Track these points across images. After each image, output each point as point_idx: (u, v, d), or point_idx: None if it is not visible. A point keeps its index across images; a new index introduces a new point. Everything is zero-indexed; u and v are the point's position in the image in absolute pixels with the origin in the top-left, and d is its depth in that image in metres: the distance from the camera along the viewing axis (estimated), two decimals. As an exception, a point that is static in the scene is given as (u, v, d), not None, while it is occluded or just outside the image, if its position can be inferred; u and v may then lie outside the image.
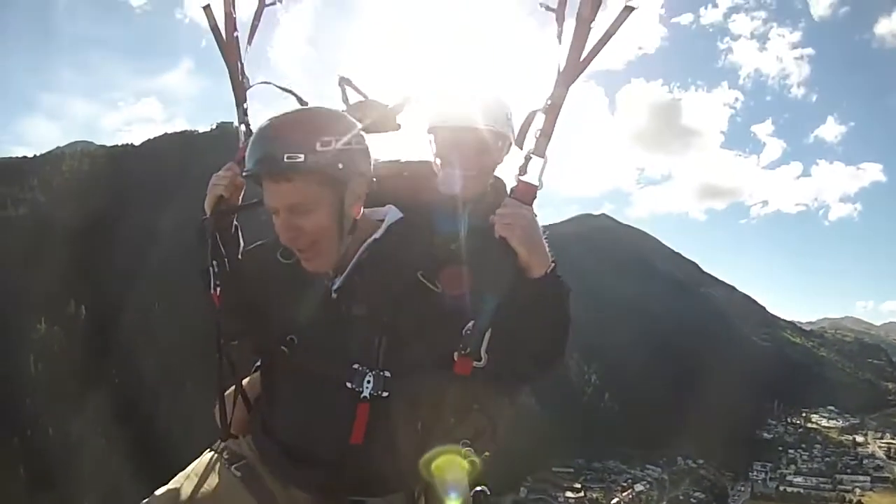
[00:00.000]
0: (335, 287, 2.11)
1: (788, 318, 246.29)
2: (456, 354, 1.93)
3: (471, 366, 1.91)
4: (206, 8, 2.60)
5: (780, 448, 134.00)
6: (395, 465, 1.99)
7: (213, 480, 2.12)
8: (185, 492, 2.08)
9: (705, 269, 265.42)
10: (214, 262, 2.29)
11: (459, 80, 2.88)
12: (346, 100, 2.65)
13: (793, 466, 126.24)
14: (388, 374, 1.99)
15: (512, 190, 2.05)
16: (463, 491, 1.95)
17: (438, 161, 2.77)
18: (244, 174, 2.09)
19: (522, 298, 1.92)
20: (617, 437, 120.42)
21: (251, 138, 2.06)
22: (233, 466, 2.14)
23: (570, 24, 1.96)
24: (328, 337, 2.08)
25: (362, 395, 1.97)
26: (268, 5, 2.74)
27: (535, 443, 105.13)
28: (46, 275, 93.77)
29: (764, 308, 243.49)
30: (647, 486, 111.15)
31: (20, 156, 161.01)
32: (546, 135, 2.01)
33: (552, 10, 2.00)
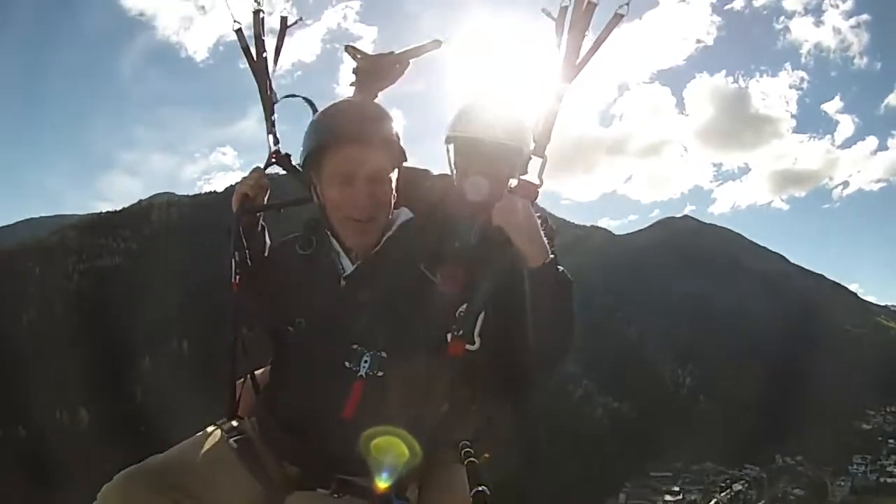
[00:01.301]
0: (345, 275, 2.28)
1: (882, 303, 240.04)
2: (449, 336, 2.03)
3: (463, 347, 2.01)
4: (238, 31, 2.97)
5: (880, 438, 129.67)
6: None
7: (210, 451, 2.18)
8: (182, 458, 2.14)
9: (792, 260, 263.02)
10: (237, 254, 2.47)
11: (481, 89, 3.01)
12: (355, 57, 3.18)
13: (893, 457, 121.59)
14: (384, 354, 2.11)
15: (514, 188, 2.22)
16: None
17: (455, 171, 2.86)
18: (334, 139, 2.20)
19: (520, 287, 2.05)
20: (713, 438, 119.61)
21: (327, 114, 2.35)
22: (231, 440, 2.22)
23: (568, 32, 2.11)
24: (333, 320, 2.22)
25: (359, 374, 2.09)
26: (289, 26, 3.10)
27: (632, 448, 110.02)
28: (150, 315, 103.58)
29: (855, 294, 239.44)
30: (745, 485, 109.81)
31: (105, 210, 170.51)
32: (545, 136, 2.14)
33: (553, 18, 2.12)
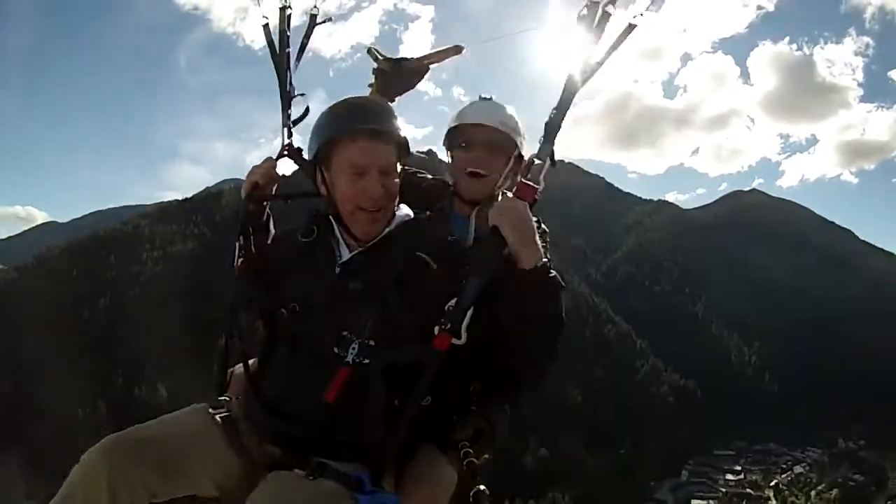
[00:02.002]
0: (340, 262, 2.32)
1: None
2: (436, 329, 2.03)
3: (449, 341, 2.01)
4: (265, 26, 3.04)
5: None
6: (364, 434, 2.05)
7: (194, 426, 2.20)
8: (167, 430, 2.16)
9: (861, 236, 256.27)
10: (241, 238, 2.55)
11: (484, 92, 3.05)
12: (377, 59, 3.21)
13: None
14: (372, 343, 2.12)
15: (514, 189, 2.20)
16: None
17: (453, 165, 2.97)
18: (349, 131, 2.25)
19: (512, 288, 2.07)
20: (777, 418, 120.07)
21: (341, 107, 2.39)
22: (216, 416, 2.24)
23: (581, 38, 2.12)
24: (325, 306, 2.24)
25: (345, 360, 2.09)
26: (319, 23, 3.16)
27: (696, 426, 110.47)
28: (228, 296, 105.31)
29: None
30: (807, 468, 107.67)
31: (172, 199, 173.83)
32: (549, 140, 2.16)
33: (577, 24, 2.13)
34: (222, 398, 2.39)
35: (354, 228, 2.33)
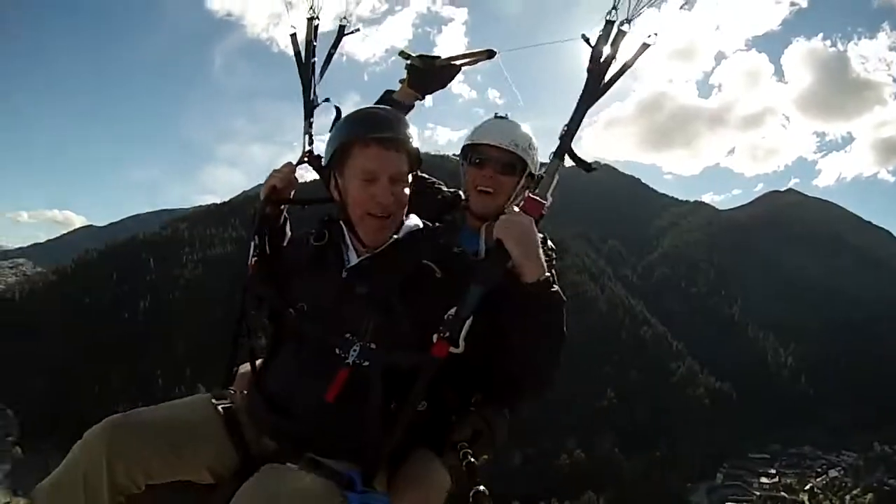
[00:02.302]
0: (348, 267, 2.34)
1: None
2: (435, 337, 2.02)
3: (447, 350, 2.01)
4: (293, 36, 3.11)
5: None
6: (360, 435, 2.06)
7: (196, 414, 2.24)
8: (169, 415, 2.21)
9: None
10: (256, 238, 2.60)
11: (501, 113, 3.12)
12: (409, 58, 3.20)
13: None
14: (373, 346, 2.14)
15: (521, 204, 2.21)
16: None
17: (466, 181, 3.02)
18: (361, 137, 2.27)
19: (514, 300, 2.09)
20: (812, 421, 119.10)
21: (356, 115, 2.43)
22: (219, 405, 2.28)
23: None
24: (330, 308, 2.26)
25: (346, 361, 2.12)
26: (347, 34, 3.20)
27: (731, 428, 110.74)
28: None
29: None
30: (842, 472, 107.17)
31: (210, 203, 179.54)
32: (559, 156, 2.18)
33: (591, 45, 2.15)
34: (226, 390, 2.52)
35: (363, 234, 2.37)
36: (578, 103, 2.18)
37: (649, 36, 2.14)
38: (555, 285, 2.17)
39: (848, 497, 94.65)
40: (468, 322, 2.04)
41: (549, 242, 2.86)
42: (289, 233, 2.82)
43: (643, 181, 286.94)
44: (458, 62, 3.21)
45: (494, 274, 2.10)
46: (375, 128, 2.30)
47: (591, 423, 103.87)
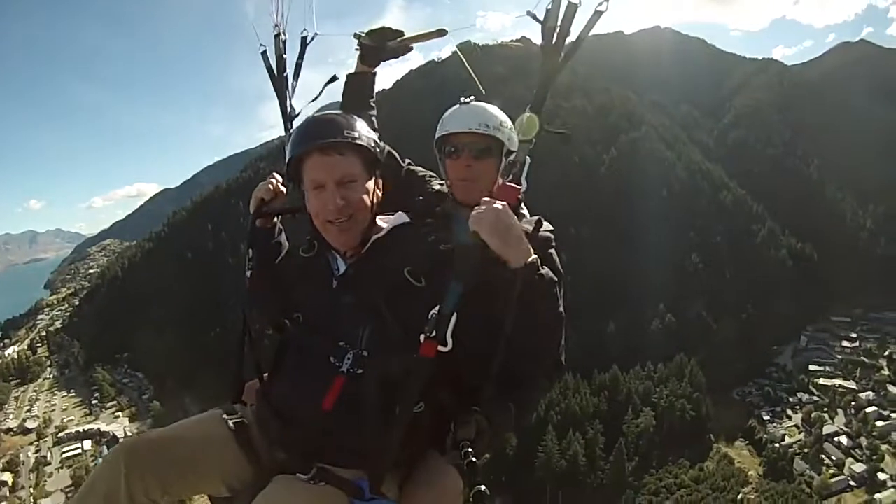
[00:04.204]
0: (336, 276, 2.42)
1: None
2: (422, 337, 2.06)
3: (435, 349, 2.04)
4: (263, 53, 3.26)
5: None
6: (362, 441, 2.13)
7: (209, 431, 2.32)
8: (183, 434, 2.29)
9: None
10: (250, 252, 2.71)
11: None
12: (358, 36, 3.29)
13: None
14: (365, 353, 2.21)
15: (494, 191, 2.23)
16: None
17: (447, 170, 3.02)
18: (301, 151, 2.35)
19: (503, 290, 2.07)
20: (894, 285, 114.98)
21: (299, 127, 2.48)
22: (230, 422, 2.35)
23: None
24: (323, 317, 2.34)
25: (340, 370, 2.19)
26: (308, 43, 3.35)
27: (814, 290, 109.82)
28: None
29: None
30: None
31: (276, 136, 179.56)
32: (528, 134, 2.20)
33: (539, 20, 2.17)
34: (236, 405, 2.58)
35: (330, 240, 2.44)
36: (538, 86, 2.20)
37: (601, 3, 2.12)
38: (542, 268, 2.15)
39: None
40: (453, 318, 2.06)
41: (546, 224, 2.77)
42: (285, 244, 2.90)
43: (709, 42, 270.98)
44: (409, 42, 3.33)
45: (471, 268, 2.10)
46: (313, 137, 2.36)
47: (679, 288, 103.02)
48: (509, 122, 2.89)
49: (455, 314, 2.04)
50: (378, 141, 2.46)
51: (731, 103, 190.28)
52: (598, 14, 2.10)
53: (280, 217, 2.92)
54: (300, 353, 2.37)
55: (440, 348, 2.05)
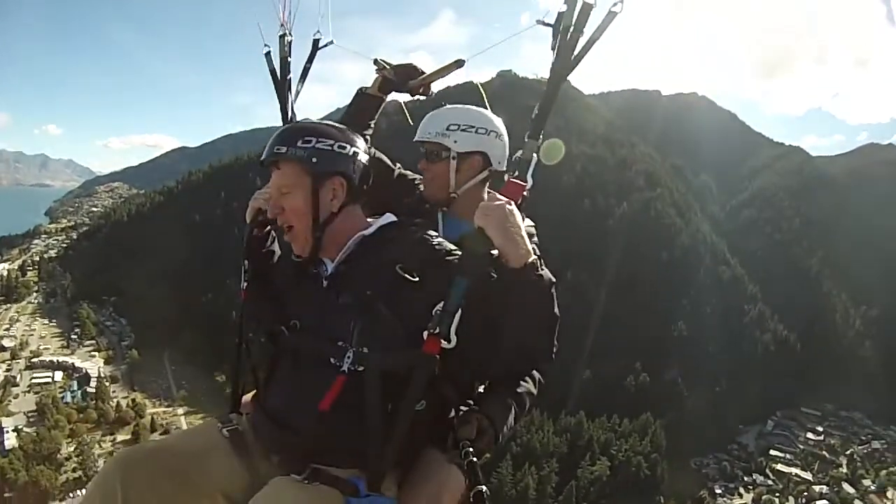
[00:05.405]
0: (325, 276, 2.40)
1: None
2: (426, 334, 2.03)
3: (439, 346, 2.01)
4: (267, 55, 3.15)
5: None
6: (362, 440, 2.08)
7: (205, 440, 2.29)
8: (180, 443, 2.28)
9: None
10: (246, 262, 2.68)
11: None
12: (383, 68, 3.23)
13: None
14: (366, 350, 2.15)
15: (502, 188, 2.20)
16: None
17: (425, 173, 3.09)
18: (261, 163, 2.39)
19: (501, 287, 2.07)
20: (870, 388, 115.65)
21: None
22: (224, 429, 2.33)
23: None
24: (320, 319, 2.30)
25: (341, 369, 2.14)
26: (320, 48, 3.24)
27: (789, 378, 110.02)
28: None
29: None
30: (884, 445, 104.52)
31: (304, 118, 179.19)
32: (534, 137, 2.14)
33: (549, 25, 2.17)
34: (232, 414, 2.56)
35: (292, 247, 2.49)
36: (548, 83, 2.17)
37: (616, 4, 2.09)
38: (543, 269, 2.14)
39: (884, 472, 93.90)
40: (458, 315, 2.04)
41: (529, 220, 2.80)
42: (277, 251, 2.93)
43: (739, 117, 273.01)
44: (429, 80, 3.27)
45: (477, 263, 2.09)
46: (264, 154, 2.42)
47: (660, 350, 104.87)
48: (467, 123, 3.02)
49: (460, 310, 2.04)
50: (336, 149, 2.38)
51: (749, 183, 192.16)
52: (612, 14, 2.09)
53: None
54: (296, 358, 2.35)
55: (444, 345, 2.04)
